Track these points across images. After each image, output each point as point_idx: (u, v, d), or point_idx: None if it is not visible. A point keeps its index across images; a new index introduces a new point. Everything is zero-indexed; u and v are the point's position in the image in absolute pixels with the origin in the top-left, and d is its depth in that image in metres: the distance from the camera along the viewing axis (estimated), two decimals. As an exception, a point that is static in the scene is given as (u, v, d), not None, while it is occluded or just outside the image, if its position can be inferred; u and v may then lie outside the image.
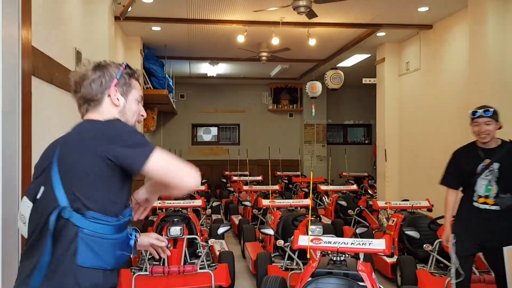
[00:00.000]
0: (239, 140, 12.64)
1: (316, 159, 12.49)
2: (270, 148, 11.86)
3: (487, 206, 3.17)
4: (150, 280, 4.00)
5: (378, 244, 3.37)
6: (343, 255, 3.20)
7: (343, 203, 6.55)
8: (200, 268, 4.13)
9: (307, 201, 6.16)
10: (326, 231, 5.76)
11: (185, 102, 12.29)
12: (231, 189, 9.31)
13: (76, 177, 1.38)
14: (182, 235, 4.42)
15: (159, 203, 5.73)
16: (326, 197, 8.14)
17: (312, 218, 4.69)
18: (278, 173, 11.25)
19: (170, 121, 12.34)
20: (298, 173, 11.48)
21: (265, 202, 5.93)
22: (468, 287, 3.32)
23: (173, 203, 5.65)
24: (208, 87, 12.32)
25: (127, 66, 1.61)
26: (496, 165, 3.14)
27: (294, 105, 12.52)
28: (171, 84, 8.86)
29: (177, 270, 4.02)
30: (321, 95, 10.70)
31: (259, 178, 9.73)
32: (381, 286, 3.21)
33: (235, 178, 9.96)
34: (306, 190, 8.88)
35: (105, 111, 1.54)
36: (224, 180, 10.85)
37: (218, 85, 12.25)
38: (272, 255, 4.82)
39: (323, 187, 7.91)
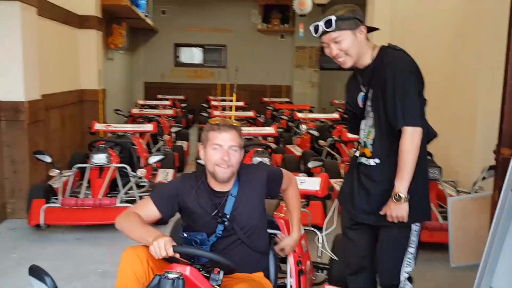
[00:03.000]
0: (226, 62, 11.77)
1: (307, 85, 11.67)
2: (260, 72, 11.19)
3: (364, 160, 2.00)
4: (61, 213, 3.51)
5: (311, 184, 2.77)
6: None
7: (315, 133, 5.90)
8: (122, 202, 3.61)
9: (271, 130, 5.54)
10: (289, 163, 5.23)
11: (167, 19, 11.30)
12: (205, 114, 8.68)
13: None
14: (109, 164, 3.87)
15: (105, 126, 5.16)
16: (305, 125, 7.50)
17: (260, 149, 4.09)
18: (265, 99, 10.54)
19: (151, 40, 11.46)
20: (285, 99, 10.77)
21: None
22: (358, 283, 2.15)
23: (117, 127, 5.07)
24: (192, 2, 11.24)
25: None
26: (371, 93, 1.98)
27: (286, 25, 11.45)
28: (139, -6, 7.91)
29: (92, 203, 3.51)
30: (315, 14, 9.59)
31: (241, 103, 9.05)
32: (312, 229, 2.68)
33: (214, 103, 9.28)
34: (286, 118, 8.24)
35: None
36: (206, 105, 10.19)
37: (203, 1, 11.17)
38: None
39: (299, 115, 7.24)
